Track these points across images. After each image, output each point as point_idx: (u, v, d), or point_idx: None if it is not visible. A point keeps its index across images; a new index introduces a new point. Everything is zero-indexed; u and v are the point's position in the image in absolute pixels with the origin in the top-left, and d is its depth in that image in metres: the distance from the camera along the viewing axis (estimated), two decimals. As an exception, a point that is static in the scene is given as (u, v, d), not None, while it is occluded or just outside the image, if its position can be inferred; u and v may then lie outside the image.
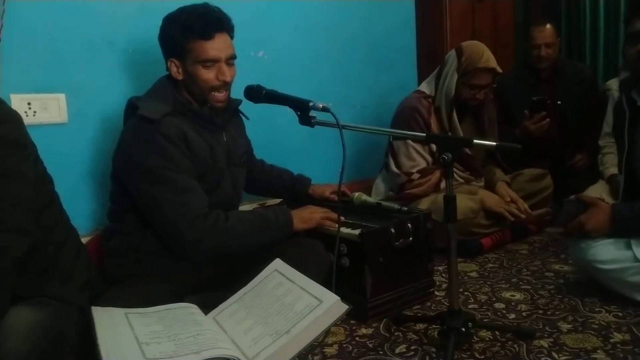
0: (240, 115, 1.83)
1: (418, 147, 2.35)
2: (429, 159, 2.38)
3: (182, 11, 1.56)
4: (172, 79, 1.61)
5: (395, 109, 2.48)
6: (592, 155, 2.73)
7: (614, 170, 2.55)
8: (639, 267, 1.61)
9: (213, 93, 1.60)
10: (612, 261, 1.65)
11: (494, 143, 1.36)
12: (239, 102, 1.75)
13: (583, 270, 1.83)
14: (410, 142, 2.35)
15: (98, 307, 1.27)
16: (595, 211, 1.65)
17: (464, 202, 2.18)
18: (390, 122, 2.47)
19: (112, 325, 1.19)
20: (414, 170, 2.34)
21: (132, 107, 1.55)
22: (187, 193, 1.47)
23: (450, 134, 2.37)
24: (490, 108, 2.56)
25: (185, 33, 1.53)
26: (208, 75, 1.57)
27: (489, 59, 2.31)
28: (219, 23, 1.56)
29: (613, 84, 2.69)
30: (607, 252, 1.66)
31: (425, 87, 2.46)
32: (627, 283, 1.64)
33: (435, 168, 2.37)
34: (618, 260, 1.64)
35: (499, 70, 2.34)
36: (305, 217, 1.67)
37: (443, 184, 2.30)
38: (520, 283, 1.93)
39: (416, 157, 2.35)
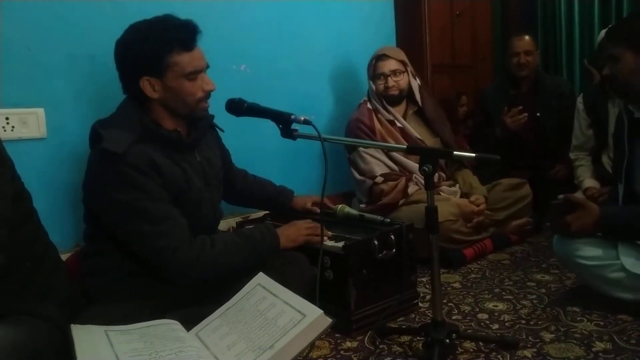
0: (214, 129, 1.81)
1: (370, 151, 2.46)
2: (385, 160, 2.47)
3: (155, 25, 1.49)
4: (137, 101, 1.54)
5: None
6: (571, 166, 2.78)
7: (589, 182, 2.60)
8: (621, 264, 1.64)
9: (200, 104, 1.57)
10: (596, 258, 1.68)
11: (474, 154, 1.38)
12: (212, 117, 1.72)
13: (564, 264, 1.86)
14: (361, 149, 2.46)
15: (77, 325, 1.25)
16: (583, 213, 1.66)
17: (443, 207, 2.20)
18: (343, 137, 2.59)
19: (91, 343, 1.17)
20: (376, 174, 2.43)
21: (96, 136, 1.47)
22: (165, 222, 1.44)
23: (397, 126, 2.50)
24: (432, 105, 2.64)
25: (168, 47, 1.47)
26: (193, 88, 1.53)
27: (383, 49, 2.57)
28: (197, 33, 1.52)
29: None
30: (591, 250, 1.69)
31: (366, 97, 2.63)
32: (607, 279, 1.67)
33: (399, 174, 2.45)
34: (601, 257, 1.67)
35: (398, 57, 2.53)
36: (292, 235, 1.66)
37: (410, 189, 2.39)
38: (503, 293, 1.94)
39: (372, 160, 2.46)
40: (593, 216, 1.64)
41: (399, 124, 2.52)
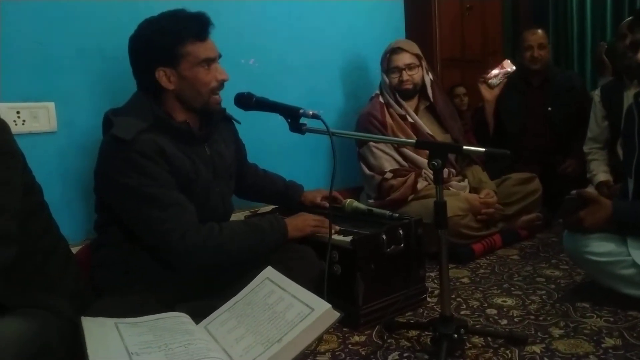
0: (231, 122, 1.82)
1: (380, 146, 2.46)
2: (395, 155, 2.46)
3: (167, 17, 1.53)
4: (150, 93, 1.56)
5: None
6: (582, 161, 2.76)
7: (602, 177, 2.57)
8: (631, 260, 1.64)
9: (213, 96, 1.58)
10: (606, 254, 1.67)
11: (483, 149, 1.37)
12: (223, 110, 1.73)
13: (574, 260, 1.85)
14: (371, 144, 2.45)
15: (87, 317, 1.26)
16: (595, 208, 1.65)
17: (452, 202, 2.20)
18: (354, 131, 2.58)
19: (101, 336, 1.18)
20: (386, 170, 2.42)
21: (108, 123, 1.51)
22: (172, 207, 1.45)
23: (409, 121, 2.49)
24: (443, 101, 2.64)
25: (181, 36, 1.51)
26: (208, 76, 1.55)
27: (398, 42, 2.56)
28: (209, 24, 1.56)
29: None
30: (602, 246, 1.68)
31: (378, 90, 2.62)
32: (617, 275, 1.67)
33: (408, 169, 2.44)
34: (612, 254, 1.67)
35: (413, 51, 2.51)
36: (299, 225, 1.67)
37: (420, 185, 2.38)
38: (512, 289, 1.93)
39: (382, 156, 2.45)
40: (606, 212, 1.63)
41: (410, 119, 2.51)
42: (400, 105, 2.52)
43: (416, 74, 2.50)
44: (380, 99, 2.55)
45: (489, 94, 2.80)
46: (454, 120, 2.65)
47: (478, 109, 3.16)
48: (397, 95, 2.52)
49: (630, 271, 1.64)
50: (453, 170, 2.58)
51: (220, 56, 1.61)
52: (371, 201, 2.46)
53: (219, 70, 1.58)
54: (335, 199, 1.97)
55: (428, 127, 2.53)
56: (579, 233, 1.72)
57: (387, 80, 2.53)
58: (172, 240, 1.43)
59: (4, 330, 1.08)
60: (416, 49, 2.54)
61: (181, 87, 1.55)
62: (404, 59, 2.48)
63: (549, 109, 2.89)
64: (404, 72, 2.48)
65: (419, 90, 2.56)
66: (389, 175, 2.41)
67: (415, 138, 2.41)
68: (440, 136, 2.55)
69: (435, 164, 1.35)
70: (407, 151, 2.47)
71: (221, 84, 1.59)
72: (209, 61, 1.55)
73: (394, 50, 2.51)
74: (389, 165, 2.44)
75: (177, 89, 1.55)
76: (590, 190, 2.48)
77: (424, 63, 2.56)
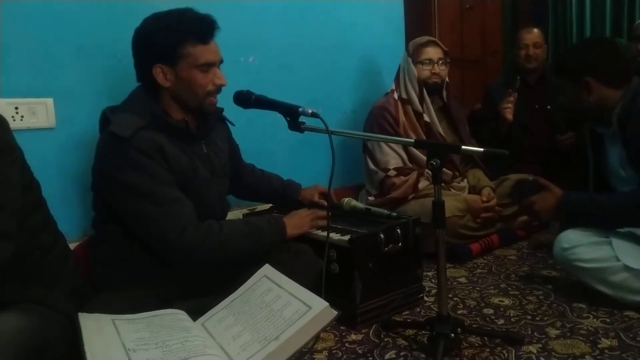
0: (225, 122, 1.82)
1: (389, 142, 2.45)
2: (402, 154, 2.45)
3: (173, 15, 1.52)
4: (150, 90, 1.56)
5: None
6: (581, 136, 2.74)
7: None
8: (620, 266, 1.65)
9: (209, 97, 1.58)
10: (593, 260, 1.70)
11: (482, 149, 1.37)
12: (222, 109, 1.74)
13: (565, 269, 1.86)
14: None
15: (85, 314, 1.26)
16: (546, 195, 1.80)
17: (450, 202, 2.19)
18: (363, 125, 2.57)
19: (98, 332, 1.18)
20: (390, 167, 2.42)
21: (105, 120, 1.51)
22: (171, 204, 1.45)
23: (423, 119, 2.47)
24: (456, 105, 2.65)
25: (183, 37, 1.50)
26: (204, 80, 1.54)
27: (428, 37, 2.56)
28: (215, 28, 1.55)
29: None
30: (588, 252, 1.71)
31: (393, 86, 2.59)
32: (608, 282, 1.68)
33: (412, 168, 2.44)
34: (599, 260, 1.69)
35: (444, 47, 2.52)
36: (297, 223, 1.68)
37: (421, 185, 2.38)
38: (509, 288, 1.94)
39: (389, 152, 2.44)
40: (555, 199, 1.76)
41: (426, 118, 2.48)
42: (422, 101, 2.48)
43: (444, 71, 2.50)
44: (395, 95, 2.51)
45: (510, 115, 2.76)
46: (464, 124, 2.65)
47: (474, 110, 3.17)
48: (424, 89, 2.48)
49: (622, 275, 1.65)
50: (457, 174, 2.57)
51: (221, 61, 1.60)
52: (371, 198, 2.46)
53: (217, 75, 1.57)
54: (332, 199, 1.97)
55: (441, 127, 2.53)
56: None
57: (415, 72, 2.47)
58: (170, 237, 1.44)
59: (4, 325, 1.08)
60: (445, 47, 2.55)
61: (177, 86, 1.55)
62: (438, 52, 2.48)
63: (548, 107, 2.90)
64: (435, 65, 2.47)
65: (441, 88, 2.54)
66: (392, 172, 2.40)
67: (416, 138, 2.40)
68: (450, 138, 2.55)
69: (433, 164, 1.35)
70: (414, 150, 2.44)
71: (218, 89, 1.59)
72: (209, 65, 1.54)
73: (427, 43, 2.50)
74: (394, 162, 2.43)
75: (173, 87, 1.55)
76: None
77: (449, 62, 2.55)
